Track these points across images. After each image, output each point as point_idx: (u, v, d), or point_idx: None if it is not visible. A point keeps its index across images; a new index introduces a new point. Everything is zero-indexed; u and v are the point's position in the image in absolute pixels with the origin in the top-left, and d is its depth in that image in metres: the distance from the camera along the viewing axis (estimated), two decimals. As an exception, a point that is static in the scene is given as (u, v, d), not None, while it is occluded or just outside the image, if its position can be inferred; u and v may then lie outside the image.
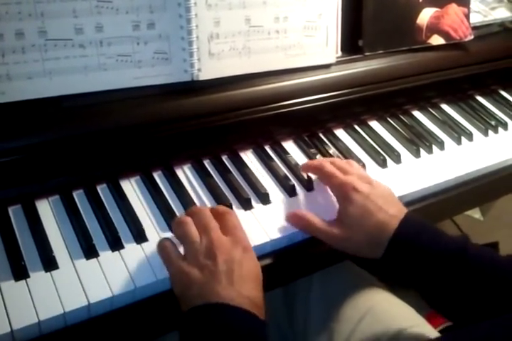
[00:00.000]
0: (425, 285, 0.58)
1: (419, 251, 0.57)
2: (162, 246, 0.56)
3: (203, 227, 0.55)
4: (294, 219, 0.63)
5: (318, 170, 0.66)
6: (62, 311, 0.49)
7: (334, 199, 0.66)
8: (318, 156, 0.75)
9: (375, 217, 0.58)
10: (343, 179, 0.62)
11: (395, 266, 0.59)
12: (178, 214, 0.62)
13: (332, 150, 0.77)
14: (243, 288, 0.51)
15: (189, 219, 0.56)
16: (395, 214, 0.59)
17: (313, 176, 0.71)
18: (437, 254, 0.56)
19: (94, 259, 0.55)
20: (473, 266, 0.56)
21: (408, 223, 0.58)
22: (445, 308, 0.60)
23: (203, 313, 0.49)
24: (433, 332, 0.67)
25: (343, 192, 0.61)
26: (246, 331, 0.49)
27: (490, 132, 0.87)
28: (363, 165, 0.74)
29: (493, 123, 0.88)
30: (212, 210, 0.58)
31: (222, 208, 0.60)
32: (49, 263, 0.53)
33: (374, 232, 0.58)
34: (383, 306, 0.69)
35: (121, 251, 0.56)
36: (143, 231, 0.58)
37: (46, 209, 0.59)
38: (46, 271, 0.53)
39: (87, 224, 0.58)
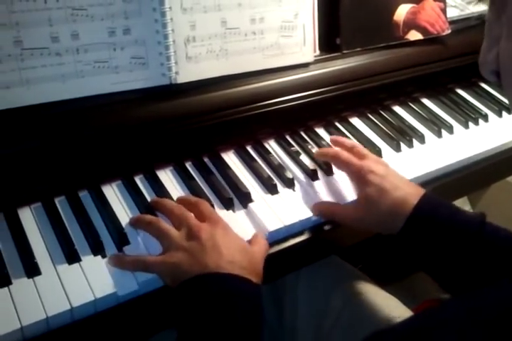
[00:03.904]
0: (438, 263, 0.60)
1: (438, 226, 0.58)
2: (127, 258, 0.56)
3: (177, 218, 0.58)
4: (315, 208, 0.67)
5: (335, 158, 0.69)
6: (45, 316, 0.50)
7: (318, 195, 0.69)
8: (303, 156, 0.76)
9: (392, 194, 0.61)
10: (360, 164, 0.65)
11: (411, 241, 0.60)
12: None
13: (315, 149, 0.77)
14: (231, 256, 0.53)
15: (155, 218, 0.59)
16: (412, 192, 0.61)
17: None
18: (455, 229, 0.58)
19: (77, 264, 0.56)
20: (489, 242, 0.57)
21: (427, 200, 0.60)
22: (456, 288, 0.61)
23: (193, 285, 0.51)
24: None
25: (361, 175, 0.64)
26: (238, 295, 0.51)
27: (471, 124, 0.87)
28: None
29: (473, 115, 0.89)
30: (183, 201, 0.61)
31: (192, 198, 0.62)
32: (31, 270, 0.54)
33: (392, 208, 0.60)
34: (369, 298, 0.70)
35: (104, 255, 0.57)
36: (125, 234, 0.59)
37: (28, 217, 0.60)
38: (29, 278, 0.54)
39: (69, 230, 0.59)
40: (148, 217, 0.60)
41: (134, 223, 0.60)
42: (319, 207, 0.67)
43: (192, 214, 0.59)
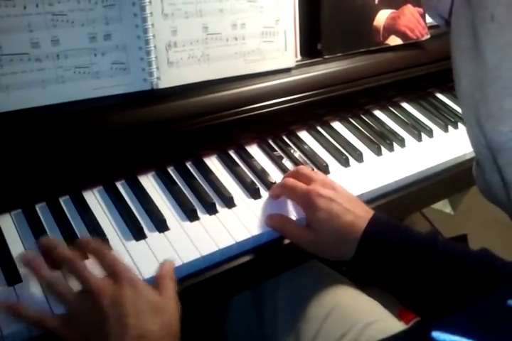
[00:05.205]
0: (396, 283, 0.59)
1: (389, 249, 0.57)
2: (27, 312, 0.50)
3: (74, 274, 0.51)
4: (271, 220, 0.65)
5: (281, 187, 0.67)
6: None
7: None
8: (285, 160, 0.76)
9: (342, 218, 0.59)
10: (306, 187, 0.63)
11: (366, 266, 0.59)
12: (142, 222, 0.62)
13: (298, 153, 0.78)
14: (141, 327, 0.47)
15: (55, 278, 0.51)
16: (361, 215, 0.60)
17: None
18: (407, 251, 0.57)
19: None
20: (442, 260, 0.56)
21: (376, 222, 0.59)
22: (417, 305, 0.60)
23: None
24: (399, 326, 0.68)
25: (308, 199, 0.62)
26: None
27: (450, 128, 0.89)
28: (326, 166, 0.76)
29: (453, 119, 0.90)
30: (86, 245, 0.54)
31: (95, 245, 0.54)
32: (12, 277, 0.54)
33: (343, 234, 0.59)
34: (349, 302, 0.70)
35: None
36: (107, 241, 0.59)
37: (9, 224, 0.60)
38: (9, 285, 0.53)
39: (49, 237, 0.58)
40: (48, 274, 0.51)
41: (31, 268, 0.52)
42: (275, 222, 0.65)
43: (92, 274, 0.51)
